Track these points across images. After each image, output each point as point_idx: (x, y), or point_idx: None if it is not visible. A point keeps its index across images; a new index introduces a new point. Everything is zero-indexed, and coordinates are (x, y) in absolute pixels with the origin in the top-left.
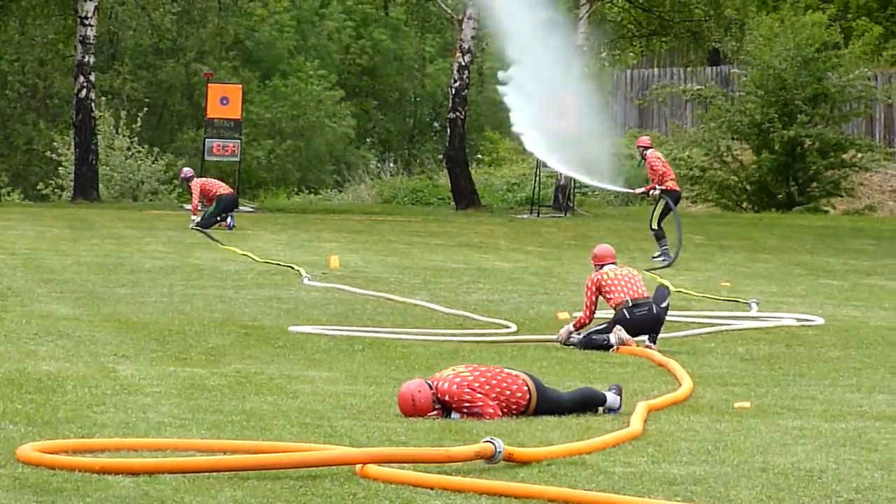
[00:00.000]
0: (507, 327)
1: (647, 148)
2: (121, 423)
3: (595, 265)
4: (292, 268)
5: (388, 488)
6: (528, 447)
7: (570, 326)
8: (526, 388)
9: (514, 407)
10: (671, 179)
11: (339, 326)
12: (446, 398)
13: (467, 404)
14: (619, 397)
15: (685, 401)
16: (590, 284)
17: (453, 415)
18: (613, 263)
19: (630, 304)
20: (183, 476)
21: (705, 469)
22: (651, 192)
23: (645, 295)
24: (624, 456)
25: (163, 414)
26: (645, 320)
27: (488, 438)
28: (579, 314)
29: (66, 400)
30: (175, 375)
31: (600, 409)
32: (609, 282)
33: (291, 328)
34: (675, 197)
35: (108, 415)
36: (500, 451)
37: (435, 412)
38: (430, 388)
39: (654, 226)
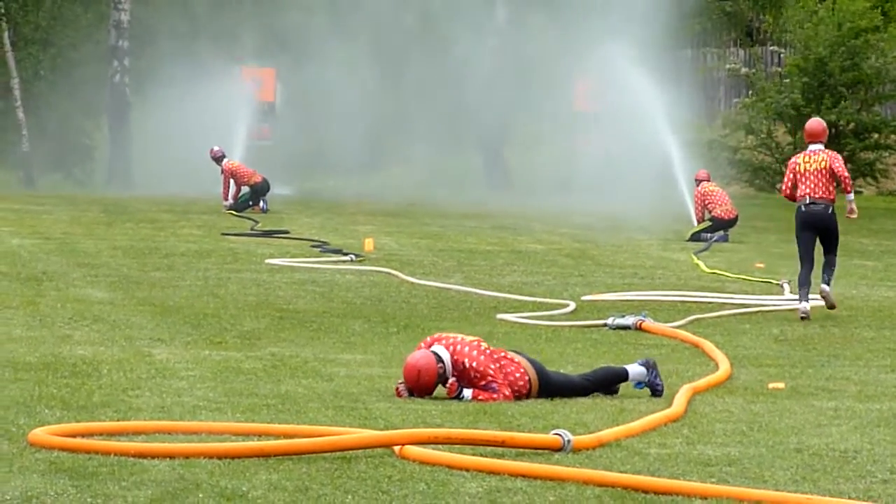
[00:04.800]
0: (567, 306)
1: (698, 182)
2: (156, 406)
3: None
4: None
5: (423, 470)
6: (582, 434)
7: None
8: (527, 377)
9: (515, 393)
10: (719, 207)
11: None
12: (473, 365)
13: (490, 378)
14: (645, 369)
15: (725, 382)
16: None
17: (465, 392)
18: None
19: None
20: (218, 459)
21: (740, 450)
22: (703, 220)
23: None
24: (659, 437)
25: (198, 398)
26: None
27: (556, 431)
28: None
29: (101, 384)
30: (210, 359)
31: (620, 385)
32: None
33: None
34: (723, 225)
35: (143, 398)
36: (569, 441)
37: (450, 384)
38: (438, 361)
39: (687, 238)
